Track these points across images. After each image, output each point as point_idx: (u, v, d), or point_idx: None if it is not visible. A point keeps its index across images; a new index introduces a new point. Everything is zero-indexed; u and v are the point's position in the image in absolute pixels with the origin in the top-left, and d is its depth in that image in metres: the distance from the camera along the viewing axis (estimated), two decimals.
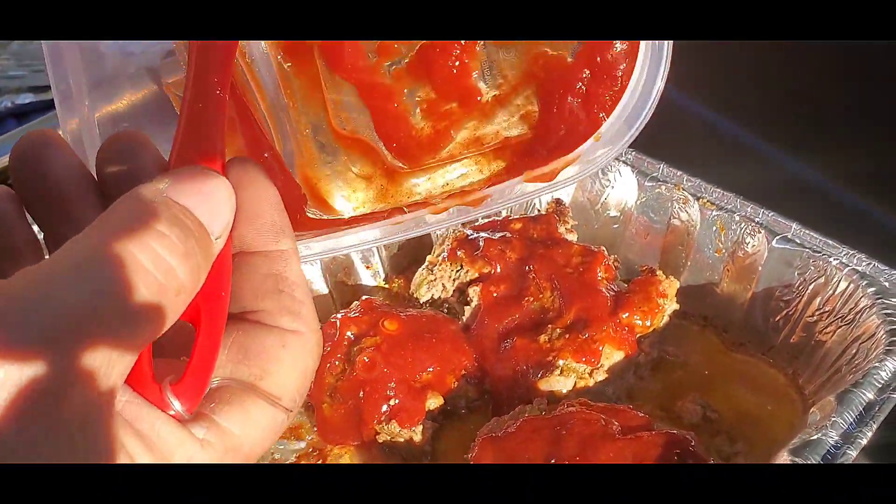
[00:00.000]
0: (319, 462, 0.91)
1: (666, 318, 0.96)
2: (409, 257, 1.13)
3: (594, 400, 0.86)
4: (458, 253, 1.02)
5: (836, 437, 0.76)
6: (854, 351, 0.87)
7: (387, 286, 1.13)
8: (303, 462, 0.92)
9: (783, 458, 0.75)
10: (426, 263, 1.04)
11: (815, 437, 0.76)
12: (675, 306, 0.97)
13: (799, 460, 0.74)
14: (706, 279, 1.03)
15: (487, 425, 0.87)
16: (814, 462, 0.74)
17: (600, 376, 0.91)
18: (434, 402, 0.91)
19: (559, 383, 0.90)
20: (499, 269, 1.00)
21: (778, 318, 0.97)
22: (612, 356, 0.92)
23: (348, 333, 0.95)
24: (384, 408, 0.90)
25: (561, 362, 0.90)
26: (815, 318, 0.94)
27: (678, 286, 0.97)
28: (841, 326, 0.91)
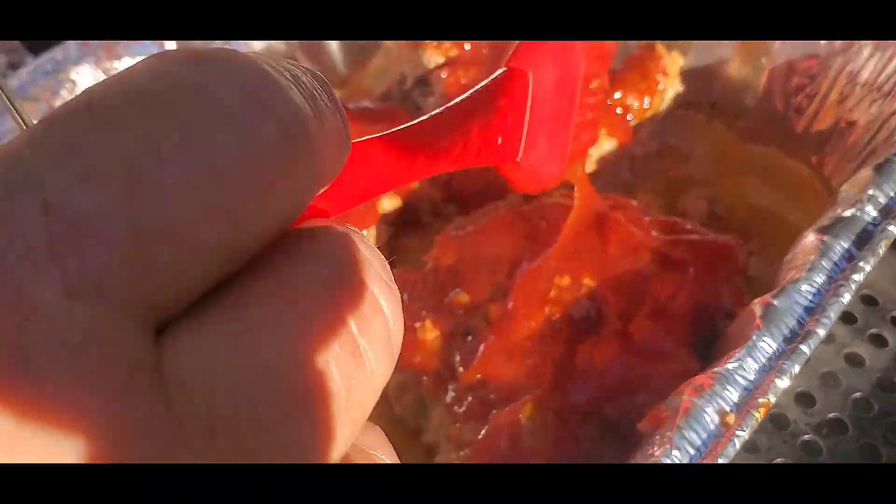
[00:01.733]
0: None
1: (667, 102, 0.81)
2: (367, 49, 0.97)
3: None
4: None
5: (875, 213, 0.61)
6: (894, 125, 0.72)
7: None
8: None
9: (809, 239, 0.61)
10: (380, 48, 0.88)
11: (847, 212, 0.61)
12: (679, 88, 0.81)
13: (827, 238, 0.59)
14: (714, 58, 0.87)
15: (451, 224, 0.73)
16: (845, 243, 0.60)
17: (588, 167, 0.77)
18: (390, 202, 0.76)
19: None
20: (467, 50, 0.84)
21: (800, 97, 0.81)
22: (603, 144, 0.77)
23: None
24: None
25: None
26: (844, 93, 0.78)
27: (682, 64, 0.81)
28: (876, 100, 0.75)
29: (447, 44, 0.84)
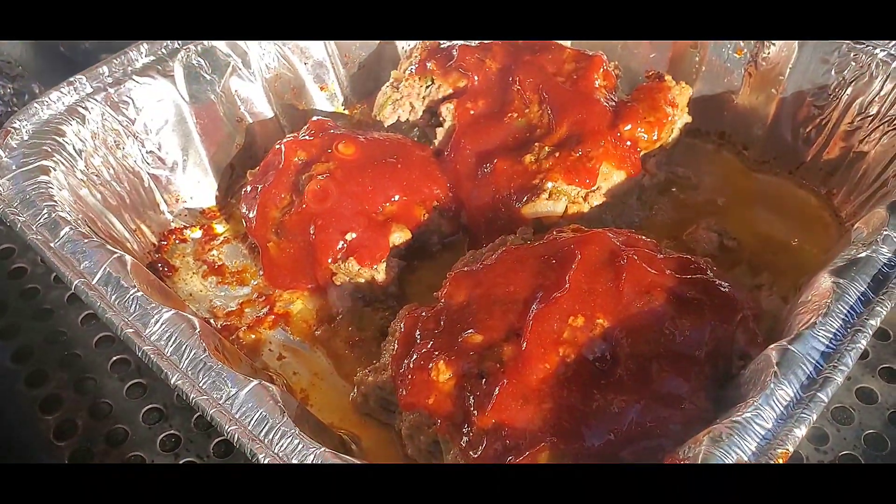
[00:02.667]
0: (266, 308, 0.77)
1: (676, 133, 0.81)
2: (372, 77, 0.96)
3: (590, 227, 0.71)
4: (428, 65, 0.86)
5: (890, 254, 0.61)
6: None
7: (346, 112, 0.96)
8: (247, 309, 0.78)
9: (824, 280, 0.61)
10: (391, 80, 0.87)
11: (863, 254, 0.61)
12: (687, 119, 0.81)
13: (843, 281, 0.59)
14: (724, 87, 0.87)
15: (462, 259, 0.73)
16: (861, 286, 0.60)
17: (597, 200, 0.77)
18: (400, 236, 0.76)
19: (547, 208, 0.76)
20: (476, 82, 0.84)
21: (809, 128, 0.81)
22: (612, 176, 0.77)
23: (296, 160, 0.79)
24: (340, 244, 0.75)
25: (549, 185, 0.76)
26: (855, 124, 0.78)
27: (690, 94, 0.81)
28: (888, 132, 0.75)
29: (455, 74, 0.84)
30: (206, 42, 0.82)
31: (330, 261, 0.75)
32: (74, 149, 0.74)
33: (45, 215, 0.67)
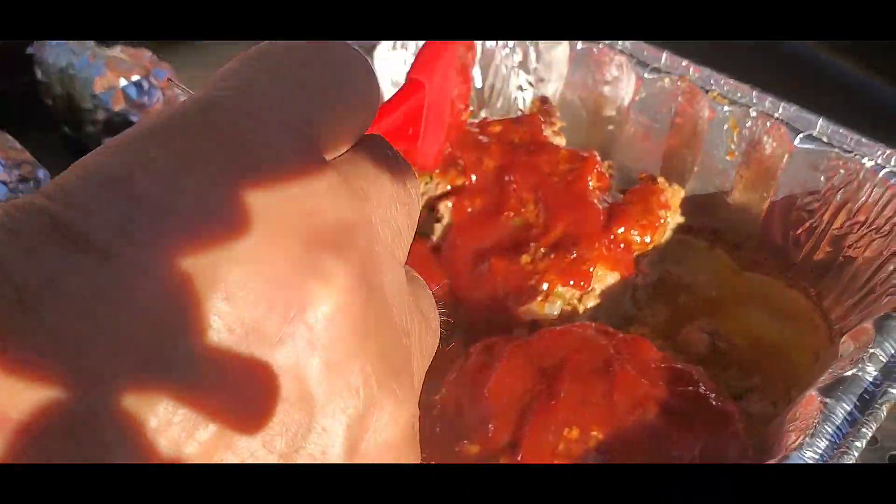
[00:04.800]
0: None
1: (668, 234, 0.83)
2: None
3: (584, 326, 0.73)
4: None
5: (876, 373, 0.63)
6: (891, 268, 0.74)
7: None
8: None
9: (812, 399, 0.62)
10: None
11: (849, 372, 0.63)
12: (680, 219, 0.83)
13: (830, 402, 0.61)
14: (716, 187, 0.89)
15: (456, 363, 0.74)
16: (847, 405, 0.61)
17: (591, 301, 0.78)
18: None
19: (543, 309, 0.77)
20: (474, 180, 0.86)
21: (800, 231, 0.83)
22: (606, 278, 0.79)
23: None
24: None
25: (545, 286, 0.77)
26: (844, 230, 0.80)
27: (683, 195, 0.83)
28: (875, 239, 0.77)
29: (453, 172, 0.86)
30: None
31: None
32: None
33: None
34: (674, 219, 0.83)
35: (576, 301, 0.78)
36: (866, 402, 0.61)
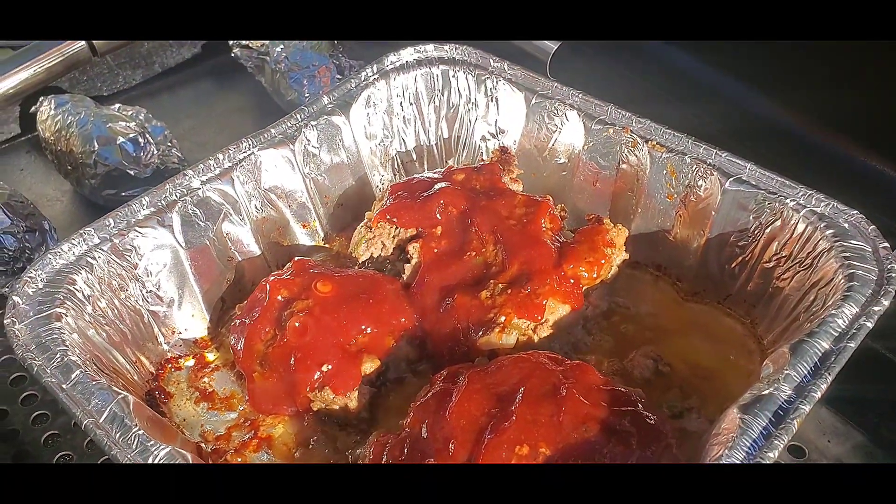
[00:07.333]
0: (251, 433, 0.86)
1: (615, 269, 0.91)
2: (350, 214, 1.07)
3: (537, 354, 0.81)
4: None
5: (790, 391, 0.71)
6: (812, 297, 0.82)
7: (327, 246, 1.07)
8: (234, 433, 0.87)
9: (733, 415, 0.70)
10: (364, 220, 0.98)
11: (766, 391, 0.71)
12: (625, 256, 0.92)
13: (748, 418, 0.69)
14: (658, 226, 0.97)
15: (425, 388, 0.82)
16: (763, 421, 0.69)
17: (545, 332, 0.86)
18: (370, 365, 0.86)
19: (501, 340, 0.85)
20: (439, 221, 0.94)
21: (734, 264, 0.92)
22: (557, 310, 0.87)
23: (279, 297, 0.89)
24: (317, 375, 0.84)
25: (502, 318, 0.85)
26: (772, 263, 0.88)
27: (627, 234, 0.92)
28: (799, 272, 0.86)
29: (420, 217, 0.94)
30: (200, 193, 0.93)
31: (308, 390, 0.84)
32: (83, 294, 0.84)
33: (59, 359, 0.76)
34: (619, 255, 0.91)
35: (531, 331, 0.86)
36: (780, 418, 0.69)
